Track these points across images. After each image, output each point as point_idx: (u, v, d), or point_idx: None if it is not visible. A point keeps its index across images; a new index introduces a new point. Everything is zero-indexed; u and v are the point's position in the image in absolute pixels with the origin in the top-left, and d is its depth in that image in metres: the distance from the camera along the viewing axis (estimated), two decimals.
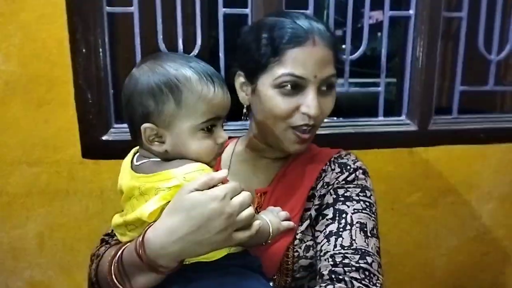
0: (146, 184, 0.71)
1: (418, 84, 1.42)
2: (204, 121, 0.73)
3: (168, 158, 0.75)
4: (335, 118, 1.45)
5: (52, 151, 1.30)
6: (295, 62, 0.83)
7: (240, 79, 0.92)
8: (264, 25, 0.88)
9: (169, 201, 0.68)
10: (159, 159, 0.75)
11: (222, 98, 0.75)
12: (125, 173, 0.77)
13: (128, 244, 0.72)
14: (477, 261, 1.62)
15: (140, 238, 0.68)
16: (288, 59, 0.83)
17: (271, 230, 0.80)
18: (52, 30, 1.22)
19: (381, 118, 1.46)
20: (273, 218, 0.82)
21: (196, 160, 0.73)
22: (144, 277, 0.69)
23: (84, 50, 1.24)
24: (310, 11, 1.33)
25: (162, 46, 1.31)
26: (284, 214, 0.86)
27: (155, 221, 0.69)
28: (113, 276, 0.70)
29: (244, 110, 0.95)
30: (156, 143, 0.74)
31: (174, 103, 0.71)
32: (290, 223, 0.85)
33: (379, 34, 1.44)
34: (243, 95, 0.93)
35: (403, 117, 1.47)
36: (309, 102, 0.84)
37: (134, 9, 1.28)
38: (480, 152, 1.51)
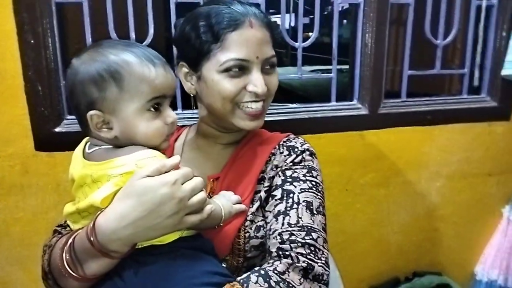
0: (98, 172, 0.72)
1: (368, 70, 1.47)
2: (148, 100, 0.74)
3: (119, 144, 0.76)
4: (289, 104, 1.49)
5: (4, 145, 1.27)
6: (237, 45, 0.87)
7: (183, 70, 0.94)
8: (200, 14, 0.90)
9: (121, 187, 0.69)
10: (110, 146, 0.76)
11: (164, 77, 0.76)
12: (76, 162, 0.78)
13: (80, 231, 0.73)
14: (429, 236, 1.71)
15: (91, 224, 0.69)
16: (230, 43, 0.87)
17: (223, 214, 0.83)
18: None
19: (333, 103, 1.50)
20: (225, 202, 0.85)
21: (146, 143, 0.75)
22: (96, 263, 0.70)
23: (32, 42, 1.22)
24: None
25: (113, 35, 1.30)
26: (235, 197, 0.89)
27: (107, 207, 0.70)
28: (65, 263, 0.71)
29: (192, 100, 0.98)
30: (104, 129, 0.75)
31: (117, 87, 0.73)
32: (242, 206, 0.88)
33: (344, 21, 1.48)
34: (189, 85, 0.95)
35: (354, 101, 1.52)
36: (254, 81, 0.89)
37: None
38: (428, 133, 1.58)
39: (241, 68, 0.88)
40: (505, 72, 1.52)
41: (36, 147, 1.29)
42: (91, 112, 0.73)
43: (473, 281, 1.78)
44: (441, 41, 1.54)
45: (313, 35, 1.43)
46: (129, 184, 0.69)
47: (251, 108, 0.91)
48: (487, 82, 1.63)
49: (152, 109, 0.76)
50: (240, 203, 0.89)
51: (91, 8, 1.28)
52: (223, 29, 0.86)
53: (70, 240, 0.73)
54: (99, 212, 0.70)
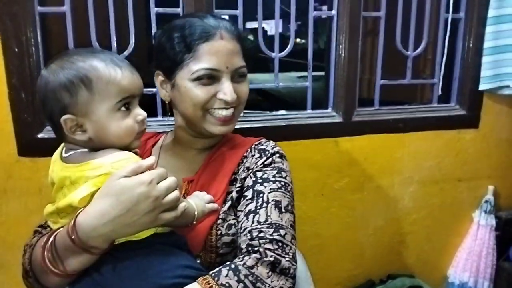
0: (76, 173, 0.77)
1: (341, 79, 1.53)
2: (118, 100, 0.78)
3: (93, 147, 0.80)
4: (268, 111, 1.54)
5: None
6: (208, 55, 0.92)
7: (159, 78, 1.00)
8: (175, 26, 0.96)
9: (98, 188, 0.74)
10: (86, 150, 0.80)
11: (131, 78, 0.80)
12: (55, 165, 0.82)
13: (60, 229, 0.77)
14: (402, 239, 1.77)
15: (72, 223, 0.73)
16: (201, 54, 0.92)
17: (196, 212, 0.88)
18: None
19: (309, 111, 1.57)
20: (198, 201, 0.90)
21: (119, 141, 0.80)
22: (77, 259, 0.75)
23: (16, 50, 1.26)
24: (240, 11, 1.42)
25: (95, 44, 1.35)
26: (208, 197, 0.94)
27: (85, 206, 0.74)
28: (47, 261, 0.75)
29: (167, 107, 1.03)
30: (78, 132, 0.79)
31: (87, 91, 0.76)
32: (214, 205, 0.94)
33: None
34: (164, 93, 1.00)
35: (329, 109, 1.58)
36: (224, 89, 0.94)
37: (66, 8, 1.31)
38: (400, 140, 1.65)
39: (211, 77, 0.94)
40: (482, 87, 1.61)
41: (19, 152, 1.33)
42: (65, 117, 0.77)
43: (445, 284, 1.85)
44: (411, 52, 1.61)
45: (288, 46, 1.50)
46: (108, 184, 0.73)
47: (221, 114, 0.97)
48: (456, 92, 1.71)
49: (123, 108, 0.80)
50: (212, 202, 0.94)
51: (73, 18, 1.32)
52: (195, 41, 0.92)
53: (51, 239, 0.77)
54: (79, 211, 0.74)
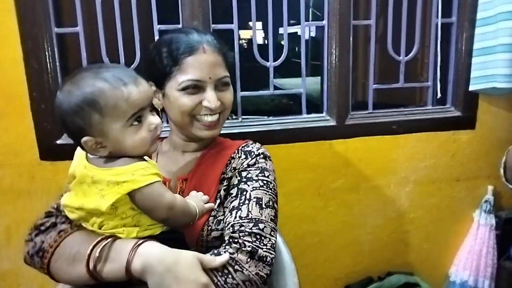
0: (98, 175, 0.85)
1: (334, 86, 1.62)
2: (129, 117, 0.84)
3: (114, 155, 0.88)
4: (265, 116, 1.66)
5: (13, 156, 1.49)
6: (192, 68, 1.05)
7: (152, 88, 1.13)
8: (164, 42, 1.09)
9: (122, 195, 0.83)
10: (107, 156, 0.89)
11: (137, 93, 0.84)
12: (79, 161, 0.91)
13: (121, 241, 0.87)
14: (401, 238, 1.83)
15: (135, 252, 0.83)
16: (186, 66, 1.05)
17: (197, 212, 0.99)
18: (7, 52, 1.42)
19: (305, 115, 1.66)
20: (198, 202, 1.01)
21: (136, 152, 0.87)
22: (116, 274, 0.84)
23: (36, 67, 1.44)
24: (235, 24, 1.54)
25: (106, 59, 1.51)
26: (206, 198, 1.05)
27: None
28: (91, 258, 0.85)
29: (161, 114, 1.17)
30: (99, 149, 0.85)
31: (98, 113, 0.82)
32: (211, 205, 1.04)
33: None
34: (156, 101, 1.13)
35: (324, 113, 1.67)
36: (208, 98, 1.06)
37: (79, 29, 1.47)
38: (394, 142, 1.72)
39: (196, 87, 1.06)
40: (472, 87, 1.65)
41: (41, 157, 1.50)
42: (84, 139, 0.83)
43: (447, 282, 1.88)
44: (403, 57, 1.68)
45: (282, 56, 1.60)
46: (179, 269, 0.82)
47: (207, 120, 1.09)
48: (451, 94, 1.76)
49: (135, 122, 0.85)
50: (208, 202, 1.05)
51: (86, 36, 1.49)
52: (180, 55, 1.05)
53: (109, 241, 0.86)
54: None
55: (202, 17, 1.49)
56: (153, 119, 0.88)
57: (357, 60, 2.09)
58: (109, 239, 0.87)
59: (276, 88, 1.68)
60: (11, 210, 1.54)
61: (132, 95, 0.83)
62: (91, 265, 0.85)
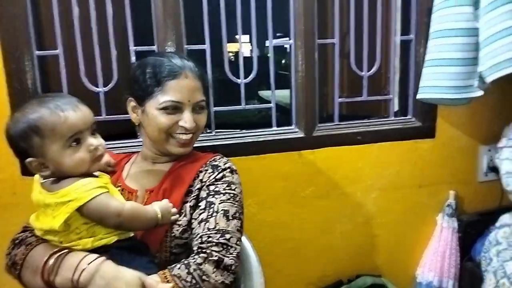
0: (48, 200, 0.94)
1: (301, 100, 1.74)
2: (66, 139, 0.93)
3: (59, 176, 0.95)
4: (237, 130, 1.76)
5: None
6: (173, 90, 1.16)
7: (131, 104, 1.23)
8: (148, 63, 1.20)
9: (70, 213, 0.92)
10: (54, 178, 0.97)
11: (75, 117, 0.94)
12: (35, 187, 1.01)
13: (71, 257, 0.95)
14: (370, 241, 1.93)
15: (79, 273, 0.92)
16: (168, 88, 1.16)
17: (160, 216, 1.06)
18: None
19: (275, 128, 1.77)
20: (163, 208, 1.08)
21: (75, 172, 0.96)
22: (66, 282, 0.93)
23: (19, 88, 1.52)
24: (207, 45, 1.65)
25: (84, 79, 1.60)
26: (174, 210, 1.12)
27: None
28: (46, 268, 0.94)
29: (136, 128, 1.27)
30: (42, 170, 0.95)
31: (38, 137, 0.92)
32: (175, 217, 1.13)
33: None
34: (135, 116, 1.23)
35: (293, 126, 1.78)
36: (185, 118, 1.18)
37: (59, 51, 1.56)
38: (360, 151, 1.83)
39: (175, 108, 1.17)
40: (419, 96, 1.77)
41: (22, 172, 1.57)
42: (28, 160, 0.94)
43: (414, 283, 1.99)
44: (365, 72, 1.81)
45: (253, 71, 1.71)
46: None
47: (182, 138, 1.19)
48: (411, 105, 1.89)
49: (73, 144, 0.94)
50: (173, 209, 1.13)
51: (66, 58, 1.58)
52: (164, 77, 1.16)
53: (62, 253, 0.95)
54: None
55: (176, 39, 1.59)
56: (93, 141, 0.97)
57: (327, 75, 2.21)
58: (63, 252, 0.96)
59: (263, 100, 1.79)
60: None
61: (69, 119, 0.93)
62: (45, 276, 0.94)
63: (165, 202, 1.12)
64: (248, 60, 1.73)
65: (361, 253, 1.93)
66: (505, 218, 1.74)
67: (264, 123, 1.81)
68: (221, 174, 1.20)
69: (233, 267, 1.03)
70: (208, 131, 1.71)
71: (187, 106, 1.18)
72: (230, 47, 2.06)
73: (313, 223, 1.85)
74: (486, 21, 1.47)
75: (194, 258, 1.02)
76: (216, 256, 1.02)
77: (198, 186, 1.19)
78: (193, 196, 1.18)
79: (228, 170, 1.22)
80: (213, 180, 1.19)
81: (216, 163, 1.24)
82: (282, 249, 1.84)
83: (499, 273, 1.57)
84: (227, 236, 1.07)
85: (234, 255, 1.05)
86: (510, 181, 1.65)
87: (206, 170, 1.22)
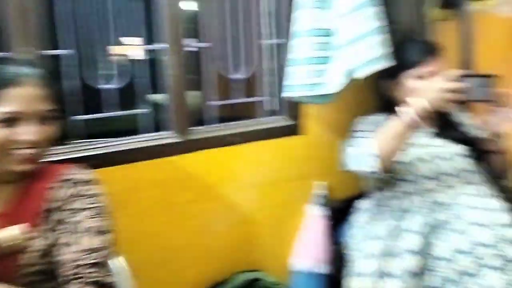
0: None
1: (172, 105, 1.74)
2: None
3: None
4: (104, 139, 1.67)
5: None
6: (10, 101, 1.05)
7: None
8: None
9: None
10: None
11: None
12: None
13: None
14: (248, 238, 1.99)
15: None
16: (4, 99, 1.05)
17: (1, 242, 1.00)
18: None
19: (147, 134, 1.75)
20: (7, 235, 1.02)
21: None
22: None
23: None
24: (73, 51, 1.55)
25: None
26: (19, 231, 1.04)
27: None
28: None
29: None
30: None
31: None
32: (26, 242, 1.04)
33: None
34: None
35: (165, 131, 1.78)
36: (26, 131, 1.07)
37: None
38: (235, 152, 1.88)
39: (13, 120, 1.06)
40: (283, 94, 1.86)
41: None
42: None
43: (289, 272, 2.11)
44: (233, 76, 1.86)
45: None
46: None
47: (24, 153, 1.08)
48: (283, 106, 2.00)
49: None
50: (26, 237, 1.04)
51: None
52: None
53: None
54: None
55: (33, 45, 1.47)
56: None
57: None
58: None
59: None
60: None
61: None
62: None
63: (9, 229, 1.04)
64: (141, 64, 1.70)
65: (240, 250, 1.98)
66: (362, 202, 1.92)
67: (147, 129, 1.77)
68: (80, 188, 1.13)
69: (111, 284, 1.02)
70: (66, 142, 1.54)
71: (27, 116, 1.07)
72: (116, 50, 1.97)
73: (189, 228, 1.84)
74: (350, 22, 1.59)
75: (70, 285, 0.98)
76: (94, 277, 0.99)
77: (55, 205, 1.11)
78: (50, 217, 1.10)
79: (88, 182, 1.16)
80: (73, 196, 1.12)
81: (72, 176, 1.16)
82: (159, 258, 1.77)
83: (362, 253, 1.73)
84: (102, 253, 1.04)
85: (110, 271, 1.04)
86: (348, 162, 1.79)
87: (61, 186, 1.13)
